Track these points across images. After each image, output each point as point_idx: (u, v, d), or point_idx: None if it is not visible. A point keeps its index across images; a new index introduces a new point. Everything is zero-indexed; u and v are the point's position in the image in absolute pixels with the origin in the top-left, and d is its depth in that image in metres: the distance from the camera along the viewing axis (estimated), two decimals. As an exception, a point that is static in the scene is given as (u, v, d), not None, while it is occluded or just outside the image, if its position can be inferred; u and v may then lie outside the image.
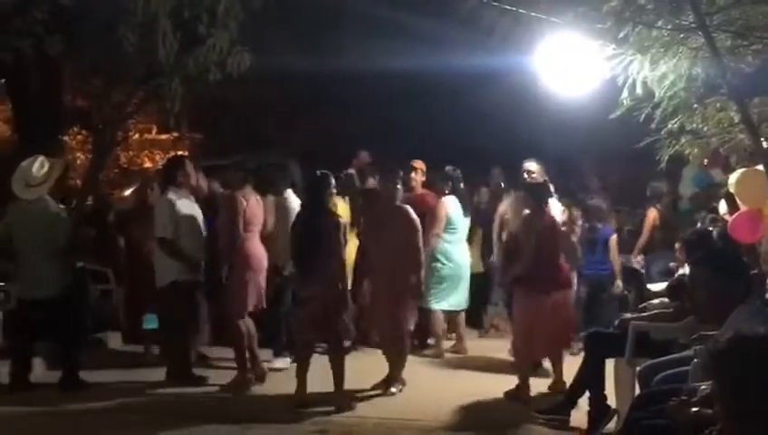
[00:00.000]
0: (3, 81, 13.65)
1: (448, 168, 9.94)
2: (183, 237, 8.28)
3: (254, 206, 8.29)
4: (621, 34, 6.21)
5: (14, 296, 8.47)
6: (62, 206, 8.68)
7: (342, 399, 7.54)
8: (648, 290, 9.09)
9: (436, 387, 8.33)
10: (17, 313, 8.44)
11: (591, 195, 10.98)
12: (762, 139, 6.41)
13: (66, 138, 15.63)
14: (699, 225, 9.33)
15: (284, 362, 8.91)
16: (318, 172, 7.87)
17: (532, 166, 9.18)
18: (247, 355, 8.21)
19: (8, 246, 8.27)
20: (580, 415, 6.78)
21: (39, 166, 8.21)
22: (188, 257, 8.28)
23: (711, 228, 8.45)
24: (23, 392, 8.00)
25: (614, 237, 10.31)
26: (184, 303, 8.34)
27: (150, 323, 8.85)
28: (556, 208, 9.11)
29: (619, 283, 10.30)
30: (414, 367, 8.69)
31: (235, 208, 8.07)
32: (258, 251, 8.30)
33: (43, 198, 8.21)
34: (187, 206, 8.42)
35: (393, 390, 8.03)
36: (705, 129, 6.91)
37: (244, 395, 7.97)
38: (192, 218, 8.40)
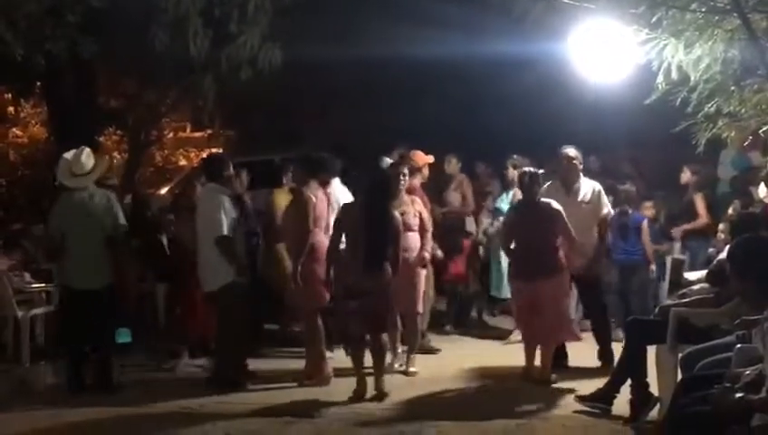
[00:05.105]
0: (38, 84, 13.77)
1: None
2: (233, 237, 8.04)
3: (322, 201, 8.22)
4: (655, 18, 6.17)
5: (61, 288, 8.36)
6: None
7: (384, 390, 7.54)
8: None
9: (469, 374, 8.39)
10: (67, 306, 8.23)
11: (624, 180, 10.94)
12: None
13: (102, 138, 15.72)
14: (731, 211, 9.27)
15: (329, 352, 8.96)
16: (382, 168, 8.16)
17: (572, 152, 8.76)
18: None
19: (60, 243, 8.06)
20: (622, 403, 6.74)
21: (86, 156, 8.14)
22: (241, 259, 8.04)
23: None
24: (79, 393, 7.84)
25: (645, 223, 10.29)
26: (242, 305, 8.03)
27: (123, 337, 8.30)
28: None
29: (653, 268, 10.26)
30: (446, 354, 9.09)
31: (307, 206, 8.03)
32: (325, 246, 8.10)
33: (90, 187, 8.10)
34: (232, 204, 8.16)
35: (413, 369, 8.44)
36: (743, 111, 6.83)
37: (290, 391, 7.90)
38: (236, 218, 8.15)
